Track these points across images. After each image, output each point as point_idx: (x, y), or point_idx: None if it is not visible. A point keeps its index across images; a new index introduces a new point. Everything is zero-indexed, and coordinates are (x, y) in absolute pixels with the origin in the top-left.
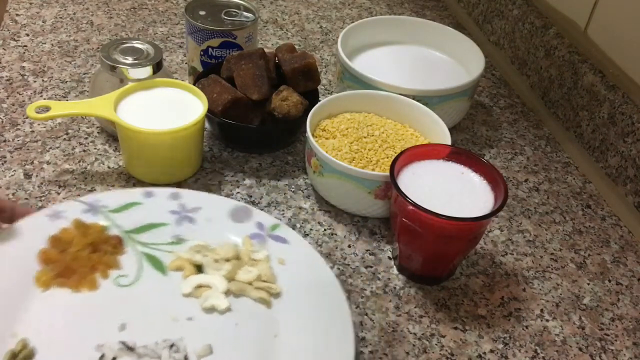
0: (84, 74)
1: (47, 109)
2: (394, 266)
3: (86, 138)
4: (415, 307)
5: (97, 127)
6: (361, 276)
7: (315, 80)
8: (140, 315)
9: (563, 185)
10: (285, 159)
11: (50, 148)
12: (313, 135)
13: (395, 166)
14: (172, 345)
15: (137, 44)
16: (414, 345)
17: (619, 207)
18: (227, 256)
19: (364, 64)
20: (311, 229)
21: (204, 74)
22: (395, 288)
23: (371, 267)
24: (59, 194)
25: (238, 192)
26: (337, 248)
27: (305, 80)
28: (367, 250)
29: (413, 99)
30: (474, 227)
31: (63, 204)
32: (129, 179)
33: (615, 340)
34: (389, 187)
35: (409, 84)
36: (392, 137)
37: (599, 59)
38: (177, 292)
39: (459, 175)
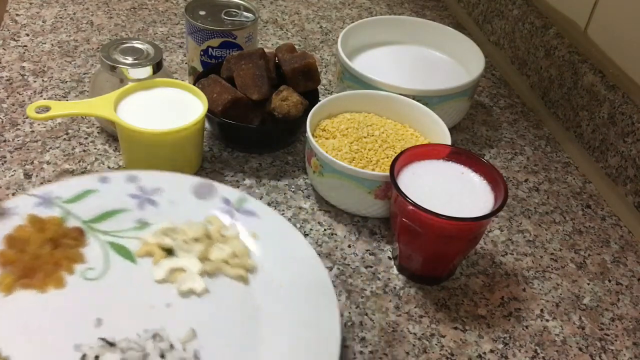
0: (84, 74)
1: (47, 109)
2: (394, 266)
3: (86, 138)
4: (415, 307)
5: (97, 127)
6: (361, 276)
7: (315, 80)
8: (115, 308)
9: (563, 185)
10: (285, 159)
11: (50, 148)
12: (313, 135)
13: (395, 166)
14: (155, 335)
15: (137, 44)
16: (414, 345)
17: (619, 207)
18: (196, 236)
19: (364, 64)
20: (311, 229)
21: (204, 74)
22: (395, 288)
23: (371, 267)
24: None
25: None
26: (337, 248)
27: (305, 80)
28: (367, 250)
29: (413, 99)
30: (474, 227)
31: (12, 200)
32: None
33: (615, 340)
34: (389, 187)
35: (409, 84)
36: (392, 137)
37: (599, 59)
38: (150, 279)
39: (459, 175)
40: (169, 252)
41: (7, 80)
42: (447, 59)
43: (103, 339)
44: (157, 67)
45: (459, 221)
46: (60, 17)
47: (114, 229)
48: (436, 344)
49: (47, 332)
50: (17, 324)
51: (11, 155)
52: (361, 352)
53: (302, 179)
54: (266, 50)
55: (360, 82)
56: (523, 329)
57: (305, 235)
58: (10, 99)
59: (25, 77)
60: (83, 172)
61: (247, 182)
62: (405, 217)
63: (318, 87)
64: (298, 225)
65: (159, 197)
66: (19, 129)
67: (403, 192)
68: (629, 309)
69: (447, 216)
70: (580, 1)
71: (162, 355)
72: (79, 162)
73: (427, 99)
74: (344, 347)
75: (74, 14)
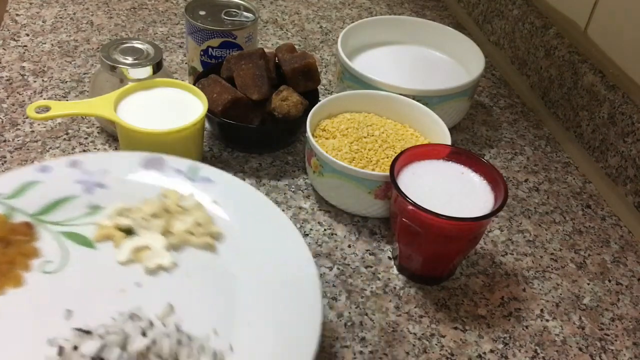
0: (84, 74)
1: (47, 109)
2: (394, 266)
3: (86, 138)
4: (415, 307)
5: (97, 127)
6: (361, 276)
7: (315, 80)
8: (83, 297)
9: (563, 185)
10: (285, 159)
11: (50, 148)
12: (313, 135)
13: (395, 166)
14: (132, 316)
15: (137, 44)
16: (414, 345)
17: (619, 207)
18: (154, 212)
19: (364, 64)
20: (311, 229)
21: (204, 74)
22: (395, 288)
23: (371, 267)
24: None
25: None
26: (337, 248)
27: (305, 80)
28: (367, 250)
29: (413, 99)
30: (474, 227)
31: None
32: None
33: (615, 340)
34: (389, 187)
35: (409, 84)
36: (392, 137)
37: (599, 59)
38: (114, 262)
39: (459, 175)
40: (129, 232)
41: (7, 80)
42: (447, 59)
43: (77, 329)
44: (157, 67)
45: (459, 221)
46: (60, 17)
47: (64, 218)
48: (436, 344)
49: (16, 333)
50: None
51: (11, 155)
52: (361, 352)
53: (302, 179)
54: (266, 50)
55: (360, 82)
56: (523, 329)
57: (305, 235)
58: (10, 99)
59: (25, 77)
60: None
61: (247, 182)
62: (405, 217)
63: (318, 87)
64: (298, 225)
65: (106, 178)
66: (19, 129)
67: (403, 192)
68: (629, 309)
69: (447, 216)
70: (580, 1)
71: (144, 334)
72: None
73: (427, 99)
74: (344, 347)
75: (74, 14)
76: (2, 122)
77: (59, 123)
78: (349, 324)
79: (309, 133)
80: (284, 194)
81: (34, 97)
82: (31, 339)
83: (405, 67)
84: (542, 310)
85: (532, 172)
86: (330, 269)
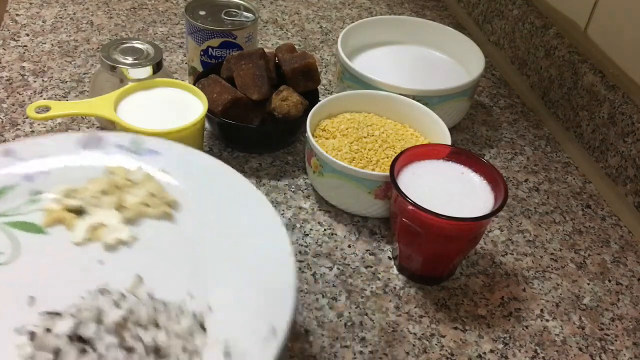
0: (84, 74)
1: (47, 109)
2: (394, 266)
3: None
4: (415, 307)
5: (97, 127)
6: (361, 276)
7: (315, 80)
8: (44, 283)
9: (563, 185)
10: (285, 159)
11: None
12: (313, 135)
13: (395, 166)
14: (102, 290)
15: (137, 44)
16: (414, 345)
17: (619, 207)
18: (102, 189)
19: (364, 64)
20: (311, 229)
21: (204, 74)
22: (395, 288)
23: (371, 267)
24: None
25: None
26: (337, 248)
27: (305, 80)
28: (367, 250)
29: (413, 99)
30: (474, 227)
31: None
32: None
33: (615, 340)
34: (389, 187)
35: (409, 84)
36: (392, 137)
37: (599, 59)
38: (70, 244)
39: (459, 175)
40: (79, 212)
41: (7, 80)
42: (447, 59)
43: (46, 312)
44: (157, 67)
45: (459, 221)
46: (60, 17)
47: (6, 209)
48: (436, 344)
49: None
50: None
51: None
52: (361, 352)
53: (302, 179)
54: (266, 50)
55: (360, 82)
56: (523, 329)
57: (306, 235)
58: (10, 99)
59: (25, 77)
60: None
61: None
62: (405, 217)
63: (318, 87)
64: (298, 225)
65: (45, 163)
66: (19, 129)
67: (403, 192)
68: (629, 309)
69: (447, 216)
70: (580, 1)
71: (117, 305)
72: None
73: (427, 99)
74: (344, 347)
75: (74, 14)
76: (2, 122)
77: (59, 123)
78: (349, 324)
79: (309, 133)
80: (284, 194)
81: (34, 97)
82: None
83: (405, 67)
84: (542, 310)
85: (532, 172)
86: (330, 269)
